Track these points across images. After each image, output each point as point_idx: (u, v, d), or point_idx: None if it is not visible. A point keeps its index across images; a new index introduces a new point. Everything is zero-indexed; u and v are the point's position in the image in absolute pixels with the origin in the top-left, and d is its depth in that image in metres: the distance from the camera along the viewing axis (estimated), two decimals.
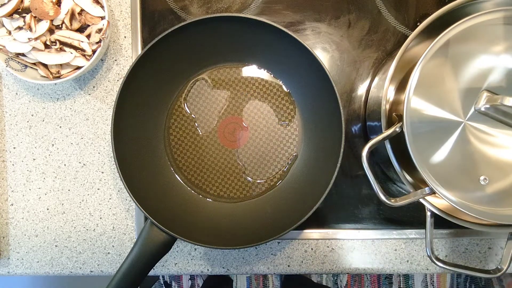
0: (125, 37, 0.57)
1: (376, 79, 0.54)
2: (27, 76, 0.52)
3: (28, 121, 0.57)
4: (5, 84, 0.57)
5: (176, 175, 0.55)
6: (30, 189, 0.57)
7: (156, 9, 0.56)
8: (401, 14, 0.55)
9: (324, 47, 0.56)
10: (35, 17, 0.50)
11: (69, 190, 0.57)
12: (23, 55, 0.52)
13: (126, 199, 0.57)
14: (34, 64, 0.53)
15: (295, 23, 0.56)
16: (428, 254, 0.43)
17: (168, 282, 1.31)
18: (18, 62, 0.52)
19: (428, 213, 0.43)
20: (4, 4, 0.50)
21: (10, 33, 0.51)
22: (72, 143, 0.57)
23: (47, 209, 0.57)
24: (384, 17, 0.55)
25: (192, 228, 0.50)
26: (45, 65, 0.52)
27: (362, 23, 0.55)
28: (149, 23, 0.56)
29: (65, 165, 0.57)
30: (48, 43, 0.51)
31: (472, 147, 0.40)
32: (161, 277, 1.30)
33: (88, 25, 0.52)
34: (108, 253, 0.57)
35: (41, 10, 0.49)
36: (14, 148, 0.57)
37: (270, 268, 0.56)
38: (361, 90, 0.55)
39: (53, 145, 0.57)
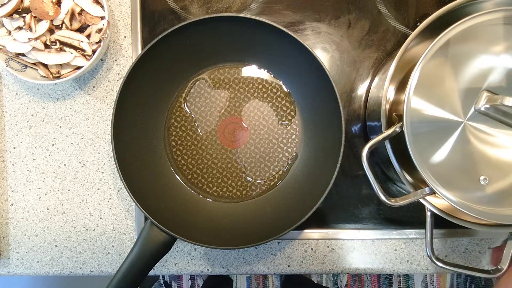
0: (125, 37, 0.57)
1: (376, 79, 0.54)
2: (27, 76, 0.52)
3: (28, 121, 0.57)
4: (5, 84, 0.57)
5: (176, 175, 0.55)
6: (30, 189, 0.57)
7: (156, 9, 0.56)
8: (401, 14, 0.55)
9: (324, 47, 0.56)
10: (35, 17, 0.50)
11: (69, 190, 0.57)
12: (23, 55, 0.52)
13: (126, 199, 0.57)
14: (34, 64, 0.53)
15: (295, 23, 0.56)
16: (428, 254, 0.43)
17: (168, 282, 1.31)
18: (18, 62, 0.52)
19: (428, 213, 0.43)
20: (4, 4, 0.50)
21: (10, 33, 0.51)
22: (72, 143, 0.57)
23: (47, 209, 0.57)
24: (384, 17, 0.55)
25: (192, 228, 0.50)
26: (45, 65, 0.52)
27: (362, 23, 0.55)
28: (149, 23, 0.56)
29: (65, 165, 0.57)
30: (48, 43, 0.51)
31: (472, 147, 0.40)
32: (161, 277, 1.30)
33: (88, 25, 0.52)
34: (108, 253, 0.57)
35: (41, 10, 0.49)
36: (14, 148, 0.57)
37: (270, 268, 0.56)
38: (361, 90, 0.55)
39: (53, 145, 0.57)
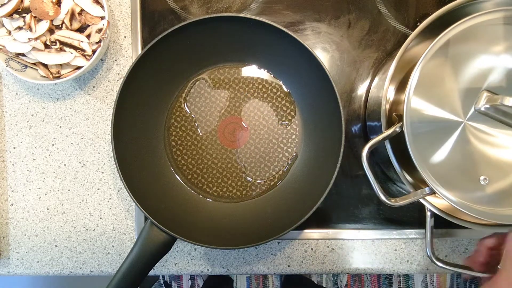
0: (125, 37, 0.57)
1: (376, 79, 0.54)
2: (27, 76, 0.52)
3: (28, 121, 0.57)
4: (5, 84, 0.57)
5: (176, 175, 0.55)
6: (30, 189, 0.57)
7: (156, 9, 0.56)
8: (401, 14, 0.55)
9: (324, 47, 0.56)
10: (35, 17, 0.50)
11: (69, 190, 0.57)
12: (23, 55, 0.52)
13: (126, 199, 0.57)
14: (34, 64, 0.53)
15: (295, 23, 0.56)
16: (428, 254, 0.43)
17: (168, 282, 1.31)
18: (18, 62, 0.52)
19: (428, 213, 0.43)
20: (4, 4, 0.50)
21: (10, 33, 0.51)
22: (72, 143, 0.57)
23: (47, 209, 0.57)
24: (384, 17, 0.55)
25: (192, 228, 0.50)
26: (45, 65, 0.52)
27: (362, 23, 0.55)
28: (149, 23, 0.56)
29: (65, 165, 0.57)
30: (48, 43, 0.51)
31: (472, 147, 0.40)
32: (161, 277, 1.30)
33: (88, 25, 0.52)
34: (108, 253, 0.57)
35: (41, 10, 0.49)
36: (14, 148, 0.57)
37: (270, 268, 0.56)
38: (361, 90, 0.55)
39: (53, 145, 0.57)
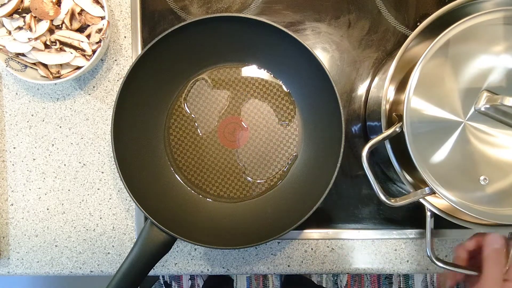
0: (125, 37, 0.57)
1: (376, 79, 0.54)
2: (27, 76, 0.52)
3: (28, 121, 0.57)
4: (5, 84, 0.57)
5: (176, 175, 0.55)
6: (30, 189, 0.57)
7: (156, 9, 0.56)
8: (401, 14, 0.55)
9: (324, 47, 0.56)
10: (35, 17, 0.50)
11: (69, 190, 0.57)
12: (23, 55, 0.52)
13: (126, 199, 0.57)
14: (34, 64, 0.53)
15: (295, 23, 0.56)
16: (428, 254, 0.43)
17: (168, 282, 1.31)
18: (18, 62, 0.52)
19: (428, 213, 0.43)
20: (4, 4, 0.50)
21: (10, 33, 0.51)
22: (72, 143, 0.57)
23: (47, 209, 0.57)
24: (384, 17, 0.55)
25: (192, 228, 0.50)
26: (45, 65, 0.52)
27: (362, 23, 0.55)
28: (149, 23, 0.56)
29: (65, 165, 0.57)
30: (48, 43, 0.51)
31: (472, 147, 0.40)
32: (161, 277, 1.30)
33: (88, 25, 0.52)
34: (108, 253, 0.57)
35: (41, 10, 0.49)
36: (14, 148, 0.57)
37: (270, 268, 0.56)
38: (361, 90, 0.55)
39: (53, 145, 0.57)
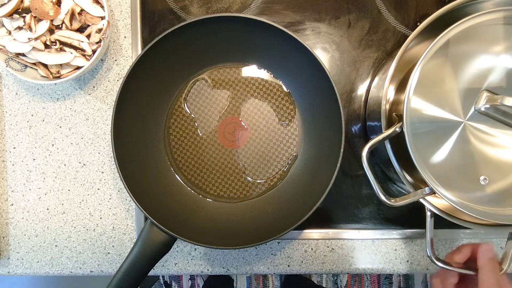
0: (125, 37, 0.57)
1: (376, 79, 0.54)
2: (27, 76, 0.52)
3: (28, 121, 0.57)
4: (5, 84, 0.57)
5: (176, 175, 0.55)
6: (30, 189, 0.57)
7: (156, 9, 0.56)
8: (401, 14, 0.55)
9: (324, 47, 0.56)
10: (35, 17, 0.50)
11: (69, 190, 0.57)
12: (23, 55, 0.52)
13: (126, 199, 0.57)
14: (34, 64, 0.53)
15: (295, 23, 0.56)
16: (428, 254, 0.43)
17: (168, 282, 1.31)
18: (18, 62, 0.52)
19: (428, 213, 0.43)
20: (4, 4, 0.50)
21: (10, 33, 0.51)
22: (72, 143, 0.57)
23: (47, 209, 0.57)
24: (384, 17, 0.55)
25: (192, 228, 0.50)
26: (45, 65, 0.52)
27: (362, 23, 0.55)
28: (149, 23, 0.56)
29: (65, 165, 0.57)
30: (48, 43, 0.51)
31: (472, 147, 0.40)
32: (161, 277, 1.30)
33: (88, 25, 0.52)
34: (108, 253, 0.57)
35: (41, 10, 0.49)
36: (14, 148, 0.57)
37: (270, 268, 0.56)
38: (361, 90, 0.55)
39: (53, 145, 0.57)
